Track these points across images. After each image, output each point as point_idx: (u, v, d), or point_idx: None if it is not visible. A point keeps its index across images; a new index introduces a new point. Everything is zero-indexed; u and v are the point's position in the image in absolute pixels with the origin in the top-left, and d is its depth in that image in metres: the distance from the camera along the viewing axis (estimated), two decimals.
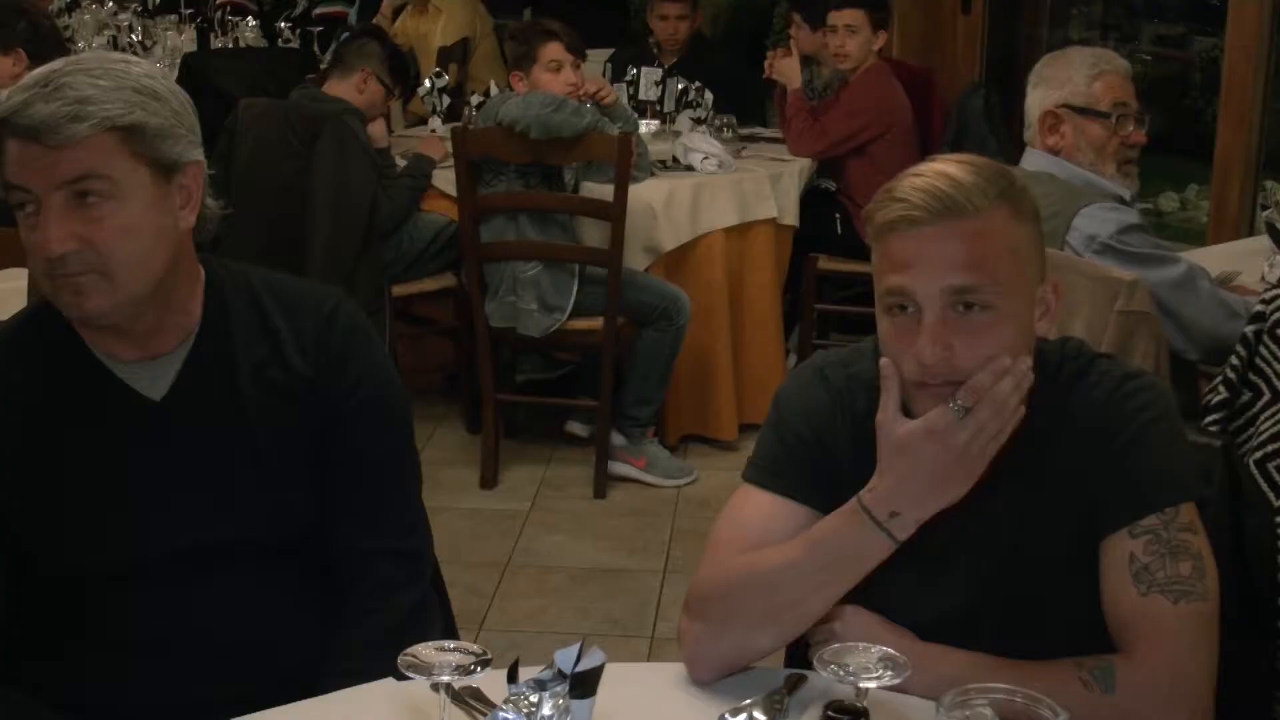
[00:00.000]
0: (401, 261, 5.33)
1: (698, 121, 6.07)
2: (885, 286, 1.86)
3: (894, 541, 1.82)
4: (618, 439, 5.12)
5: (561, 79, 5.11)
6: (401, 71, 5.47)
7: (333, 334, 2.14)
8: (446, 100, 6.37)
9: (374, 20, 7.71)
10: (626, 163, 4.74)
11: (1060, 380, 1.94)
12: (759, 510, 1.98)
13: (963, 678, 1.66)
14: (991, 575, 1.89)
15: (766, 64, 6.32)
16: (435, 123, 6.25)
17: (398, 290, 5.33)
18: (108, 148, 1.91)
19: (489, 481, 5.09)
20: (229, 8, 8.25)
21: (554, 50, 5.15)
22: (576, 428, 5.44)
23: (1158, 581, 1.80)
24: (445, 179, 5.27)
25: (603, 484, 5.05)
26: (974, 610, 1.89)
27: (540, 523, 4.84)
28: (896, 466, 1.82)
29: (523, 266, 4.95)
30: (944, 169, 1.87)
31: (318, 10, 8.57)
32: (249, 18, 8.02)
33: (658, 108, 6.24)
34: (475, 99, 6.10)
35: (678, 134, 5.89)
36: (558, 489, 5.11)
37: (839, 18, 5.93)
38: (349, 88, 5.25)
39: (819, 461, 1.98)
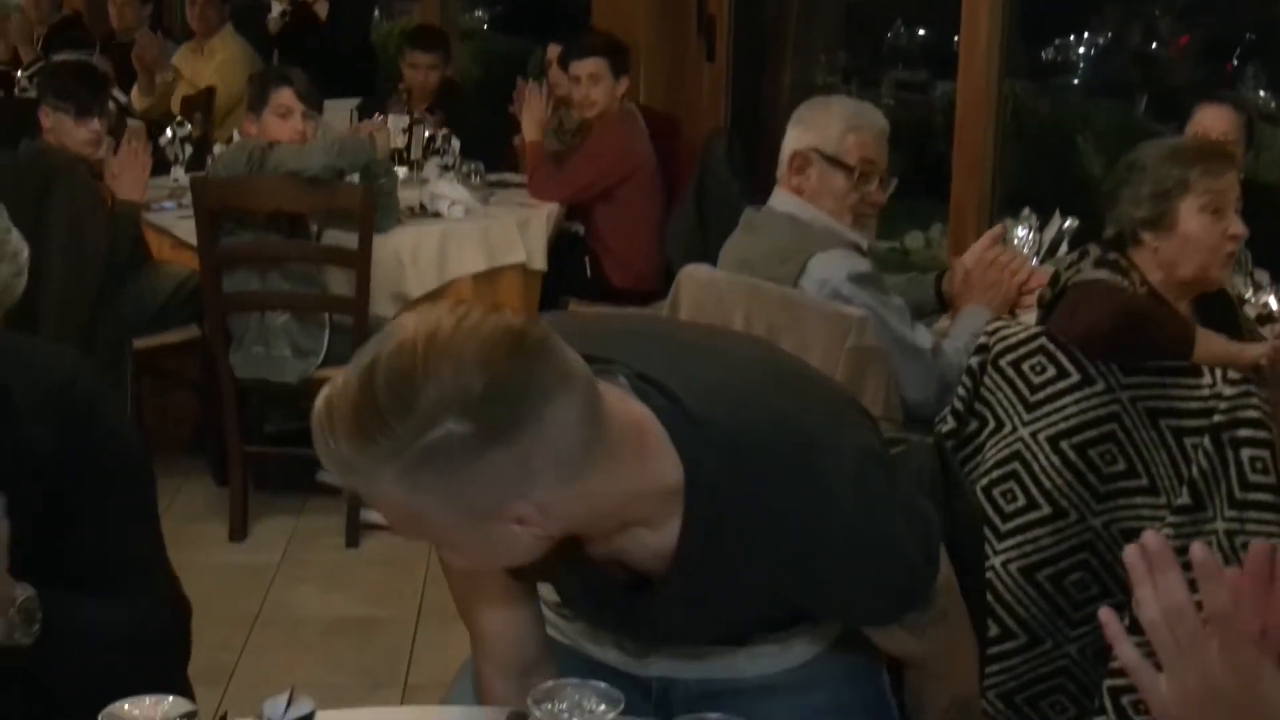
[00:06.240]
0: (143, 314, 5.19)
1: (445, 168, 6.07)
2: None
3: None
4: None
5: (289, 127, 5.05)
6: (67, 85, 5.15)
7: (74, 402, 2.04)
8: (189, 149, 6.22)
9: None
10: (369, 212, 4.72)
11: (743, 469, 1.71)
12: None
13: None
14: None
15: (515, 93, 6.40)
16: (178, 172, 6.11)
17: (140, 344, 5.20)
18: None
19: (238, 534, 4.99)
20: None
21: (285, 96, 5.08)
22: (328, 477, 5.34)
23: (933, 624, 1.89)
24: (187, 229, 5.15)
25: (355, 533, 4.98)
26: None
27: (291, 575, 4.77)
28: None
29: (272, 315, 4.90)
30: (334, 426, 1.51)
31: (58, 57, 8.26)
32: None
33: (404, 154, 6.22)
34: (219, 148, 5.99)
35: (425, 181, 5.88)
36: (309, 540, 5.03)
37: (580, 68, 5.99)
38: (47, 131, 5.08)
39: None
